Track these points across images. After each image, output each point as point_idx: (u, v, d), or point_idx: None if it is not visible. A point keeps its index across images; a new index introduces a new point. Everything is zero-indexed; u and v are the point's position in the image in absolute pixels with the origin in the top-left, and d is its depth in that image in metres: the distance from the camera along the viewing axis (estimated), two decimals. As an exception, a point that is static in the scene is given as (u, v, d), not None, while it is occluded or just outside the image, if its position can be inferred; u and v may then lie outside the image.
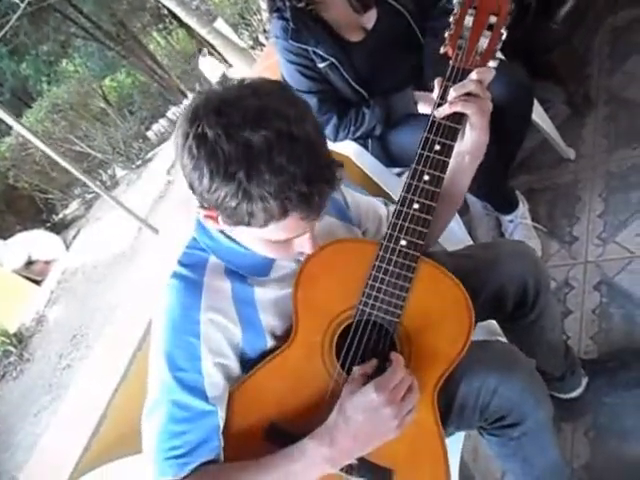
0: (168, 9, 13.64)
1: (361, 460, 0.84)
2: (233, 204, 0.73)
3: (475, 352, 0.88)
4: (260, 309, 0.89)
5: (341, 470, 0.84)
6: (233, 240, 0.87)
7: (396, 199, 0.90)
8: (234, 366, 0.88)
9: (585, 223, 1.70)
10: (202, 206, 0.79)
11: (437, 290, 0.90)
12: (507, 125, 1.49)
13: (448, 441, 0.90)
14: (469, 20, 0.89)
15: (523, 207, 1.73)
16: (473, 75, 0.87)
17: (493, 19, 0.89)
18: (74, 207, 9.80)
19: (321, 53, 1.53)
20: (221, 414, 0.84)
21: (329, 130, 1.62)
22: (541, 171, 1.95)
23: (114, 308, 4.70)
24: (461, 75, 0.90)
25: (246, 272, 0.89)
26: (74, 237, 8.16)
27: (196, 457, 0.81)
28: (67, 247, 7.78)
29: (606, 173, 1.77)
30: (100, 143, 8.23)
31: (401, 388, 0.79)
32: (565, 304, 1.56)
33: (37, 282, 7.35)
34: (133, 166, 8.84)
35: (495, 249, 1.10)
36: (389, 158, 1.68)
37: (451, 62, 0.91)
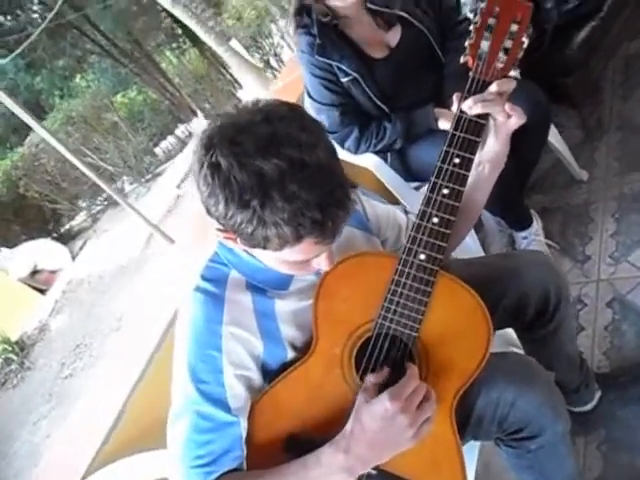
0: (183, 29, 13.96)
1: (380, 471, 0.85)
2: (249, 230, 0.74)
3: (494, 364, 0.89)
4: (280, 321, 0.91)
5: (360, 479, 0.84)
6: (253, 256, 0.88)
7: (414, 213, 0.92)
8: (255, 377, 0.89)
9: (598, 242, 1.74)
10: (220, 230, 0.81)
11: (456, 304, 0.90)
12: (524, 142, 1.53)
13: (464, 449, 0.90)
14: (489, 29, 0.86)
15: (537, 225, 1.76)
16: (493, 87, 0.86)
17: (514, 27, 0.86)
18: (81, 219, 9.88)
19: (344, 68, 1.58)
20: (244, 424, 0.85)
21: (350, 142, 1.67)
22: (554, 191, 1.99)
23: (119, 318, 4.70)
24: (481, 87, 0.88)
25: (266, 286, 0.91)
26: (81, 248, 8.20)
27: (220, 466, 0.82)
28: (73, 257, 7.81)
29: (619, 195, 1.80)
30: (112, 156, 8.33)
31: (416, 397, 0.79)
32: (578, 321, 1.58)
33: (42, 291, 7.37)
34: (143, 179, 8.94)
35: (515, 258, 1.13)
36: (408, 172, 1.72)
37: (471, 73, 0.89)
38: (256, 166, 0.71)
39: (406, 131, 1.63)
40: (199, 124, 12.86)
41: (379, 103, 1.63)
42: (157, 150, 12.67)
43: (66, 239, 9.06)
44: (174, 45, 15.37)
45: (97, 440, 1.31)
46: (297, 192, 0.71)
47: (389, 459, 0.82)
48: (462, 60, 0.92)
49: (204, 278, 0.89)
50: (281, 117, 0.76)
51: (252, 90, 5.84)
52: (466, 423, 0.93)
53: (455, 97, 0.91)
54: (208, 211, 0.79)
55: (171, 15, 13.42)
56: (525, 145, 1.59)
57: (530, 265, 1.09)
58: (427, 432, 0.81)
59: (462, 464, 0.87)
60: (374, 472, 0.85)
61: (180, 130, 13.83)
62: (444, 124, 1.60)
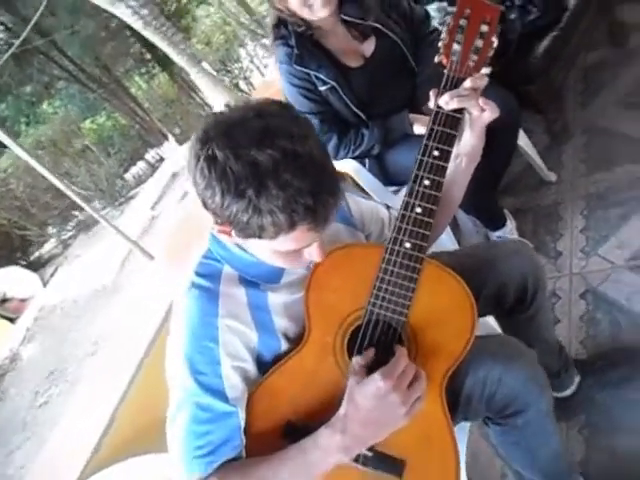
0: (152, 54, 13.98)
1: (374, 452, 0.88)
2: (244, 219, 0.77)
3: (479, 345, 0.93)
4: (273, 313, 0.93)
5: (356, 461, 0.87)
6: (245, 251, 0.92)
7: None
8: (251, 369, 0.91)
9: (568, 239, 1.82)
10: (216, 222, 0.84)
11: (441, 289, 0.94)
12: (496, 144, 1.60)
13: (454, 429, 0.93)
14: (461, 30, 0.92)
15: (511, 224, 1.84)
16: (467, 83, 0.92)
17: (484, 28, 0.93)
18: (51, 245, 9.69)
19: (322, 77, 1.64)
20: (242, 414, 0.87)
21: (330, 149, 1.71)
22: (525, 193, 2.08)
23: (95, 342, 4.62)
24: (455, 84, 0.93)
25: (259, 280, 0.94)
26: (52, 275, 8.03)
27: (219, 455, 0.84)
28: (44, 284, 7.64)
29: (586, 194, 1.90)
30: (83, 180, 8.24)
31: (406, 376, 0.82)
32: (554, 313, 1.64)
33: (12, 320, 7.16)
34: (116, 203, 8.85)
35: (496, 248, 1.19)
36: (386, 176, 1.78)
37: (445, 71, 0.95)
38: (251, 157, 0.74)
39: (383, 137, 1.69)
40: (170, 148, 12.85)
41: (356, 110, 1.69)
42: (127, 176, 12.57)
43: (36, 266, 8.86)
44: (143, 70, 15.38)
45: (77, 462, 1.30)
46: (290, 180, 0.75)
47: (383, 439, 0.85)
48: (436, 59, 0.97)
49: (198, 274, 0.91)
50: (272, 113, 0.80)
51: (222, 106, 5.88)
52: (456, 403, 0.96)
53: (432, 93, 0.96)
54: (205, 204, 0.81)
55: (140, 40, 13.51)
56: (497, 147, 1.65)
57: (509, 255, 1.14)
58: (419, 410, 0.84)
59: (454, 442, 0.90)
60: (369, 453, 0.87)
61: (150, 155, 13.78)
62: (419, 129, 1.67)
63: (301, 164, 0.76)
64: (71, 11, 10.44)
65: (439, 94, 0.94)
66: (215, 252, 0.94)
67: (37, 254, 9.63)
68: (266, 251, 0.87)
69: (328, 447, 0.82)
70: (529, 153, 1.99)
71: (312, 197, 0.76)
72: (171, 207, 6.44)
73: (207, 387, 0.85)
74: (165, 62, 14.75)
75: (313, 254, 0.88)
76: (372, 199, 1.22)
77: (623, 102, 2.08)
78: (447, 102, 0.92)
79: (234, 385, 0.87)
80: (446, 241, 1.63)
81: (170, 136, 13.36)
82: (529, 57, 1.93)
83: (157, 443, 1.21)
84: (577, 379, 1.37)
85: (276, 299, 0.94)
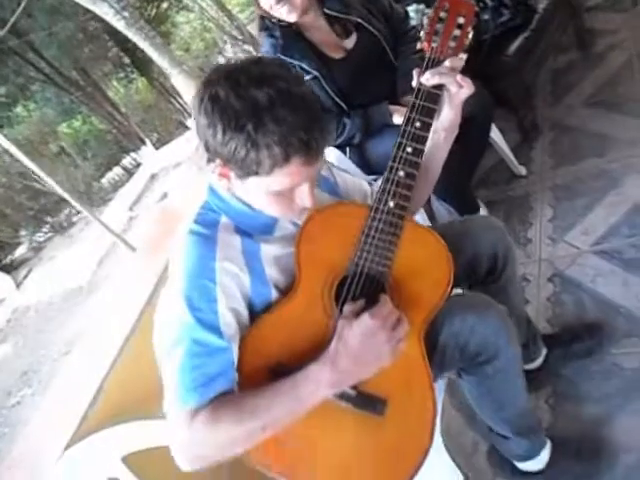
0: (131, 58, 13.91)
1: (358, 391, 0.94)
2: (243, 153, 0.84)
3: (454, 300, 1.03)
4: (265, 263, 0.99)
5: (341, 399, 0.93)
6: (241, 201, 0.98)
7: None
8: (244, 313, 0.96)
9: (537, 227, 1.92)
10: (215, 166, 0.90)
11: (421, 244, 1.03)
12: (470, 133, 1.70)
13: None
14: (441, 20, 1.04)
15: (483, 212, 1.93)
16: (446, 63, 1.02)
17: (461, 20, 1.04)
18: (25, 247, 9.52)
19: (306, 67, 1.71)
20: (235, 351, 0.92)
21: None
22: (497, 187, 2.19)
23: (70, 342, 4.58)
24: (435, 64, 1.04)
25: (253, 230, 1.00)
26: (25, 276, 7.90)
27: (214, 387, 0.88)
28: (17, 286, 7.51)
29: (553, 186, 2.01)
30: (60, 181, 8.15)
31: (391, 318, 0.90)
32: (524, 295, 1.73)
33: (-17, 322, 7.02)
34: (94, 205, 8.77)
35: (470, 222, 1.27)
36: (366, 165, 1.85)
37: (427, 54, 1.05)
38: (250, 95, 0.82)
39: (364, 126, 1.77)
40: (147, 153, 12.79)
41: (338, 100, 1.77)
42: (103, 181, 12.46)
43: (9, 268, 8.70)
44: (122, 74, 15.33)
45: (65, 431, 1.32)
46: (286, 116, 0.82)
47: (367, 377, 0.91)
48: (418, 46, 1.08)
49: (196, 222, 0.97)
50: (270, 62, 0.90)
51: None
52: (433, 354, 1.03)
53: (415, 72, 1.06)
54: (206, 144, 0.88)
55: (119, 44, 13.45)
56: (472, 137, 1.75)
57: (482, 229, 1.23)
58: (401, 350, 0.91)
59: (431, 384, 0.97)
60: (353, 393, 0.93)
61: (127, 160, 13.69)
62: (398, 119, 1.75)
63: (295, 102, 0.84)
64: (49, 12, 10.37)
65: (421, 73, 1.03)
66: (212, 203, 0.99)
67: (10, 256, 9.46)
68: (261, 194, 0.93)
69: (318, 380, 0.88)
70: (502, 148, 2.10)
71: (305, 132, 0.84)
72: (150, 208, 6.44)
73: (204, 323, 0.89)
74: (144, 67, 14.73)
75: (304, 198, 0.94)
76: (356, 175, 1.30)
77: (588, 102, 2.21)
78: (428, 78, 1.02)
79: (229, 323, 0.92)
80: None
81: (148, 141, 13.30)
82: (501, 56, 2.04)
83: (145, 410, 1.26)
84: (544, 352, 1.46)
85: (268, 250, 1.00)
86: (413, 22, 2.07)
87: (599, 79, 2.26)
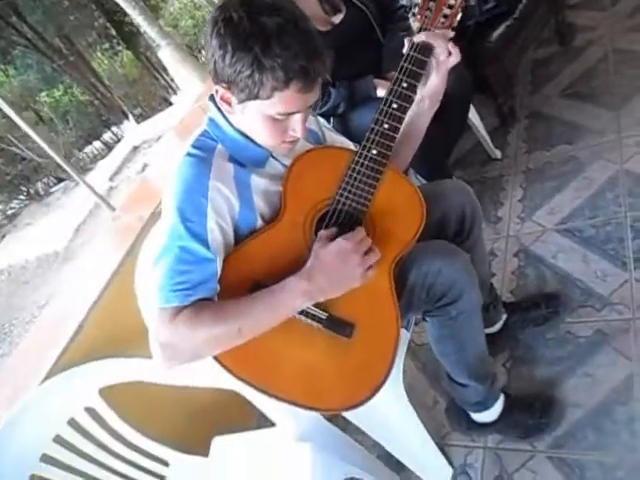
0: (118, 30, 13.65)
1: (329, 313, 1.01)
2: (247, 73, 0.90)
3: (423, 246, 1.12)
4: (254, 192, 1.06)
5: (313, 319, 1.00)
6: (237, 131, 1.05)
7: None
8: (230, 232, 1.03)
9: (508, 206, 2.02)
10: (220, 87, 0.97)
11: (398, 189, 1.13)
12: (450, 111, 1.76)
13: None
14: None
15: (458, 189, 2.01)
16: (437, 31, 1.13)
17: (452, 1, 1.14)
18: (-1, 213, 9.36)
19: None
20: (219, 263, 0.98)
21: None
22: (473, 168, 2.28)
23: (43, 306, 4.56)
24: None
25: (246, 161, 1.06)
26: (-3, 242, 7.79)
27: (197, 292, 0.94)
28: (-10, 251, 7.40)
29: (526, 169, 2.11)
30: (40, 147, 8.01)
31: (364, 243, 0.98)
32: (490, 269, 1.83)
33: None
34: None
35: (441, 185, 1.35)
36: (348, 135, 1.90)
37: (418, 24, 1.15)
38: (261, 21, 0.89)
39: (348, 96, 1.83)
40: (129, 127, 12.63)
41: (323, 70, 1.82)
42: (82, 154, 12.26)
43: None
44: (107, 45, 15.02)
45: (42, 366, 1.34)
46: (292, 44, 0.89)
47: (337, 300, 0.99)
48: (411, 20, 1.16)
49: (194, 146, 1.03)
50: None
51: (190, 84, 5.90)
52: (402, 293, 1.11)
53: (406, 40, 1.15)
54: (215, 65, 0.94)
55: (106, 14, 13.18)
56: (450, 114, 1.82)
57: (451, 190, 1.31)
58: (371, 276, 0.99)
59: (397, 314, 1.04)
60: (324, 315, 1.00)
61: (108, 135, 13.48)
62: (382, 92, 1.81)
63: (301, 33, 0.91)
64: (35, -25, 10.12)
65: (412, 42, 1.13)
66: (211, 132, 1.06)
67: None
68: (258, 120, 0.99)
69: (294, 290, 0.95)
70: (480, 131, 2.18)
71: (307, 60, 0.91)
72: (130, 179, 6.40)
73: (193, 233, 0.95)
74: (130, 40, 14.47)
75: (297, 128, 1.01)
76: (343, 137, 1.37)
77: (564, 92, 2.31)
78: (421, 36, 1.11)
79: (215, 238, 0.98)
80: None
81: (130, 116, 13.12)
82: (484, 42, 2.11)
83: (124, 348, 1.32)
84: (504, 317, 1.55)
85: (258, 182, 1.06)
86: (403, 2, 2.13)
87: (576, 72, 2.36)
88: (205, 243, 0.96)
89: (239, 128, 1.05)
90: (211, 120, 1.07)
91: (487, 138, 2.21)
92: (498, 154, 2.23)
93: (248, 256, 1.04)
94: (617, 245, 1.63)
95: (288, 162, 1.12)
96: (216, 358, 0.99)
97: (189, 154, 1.02)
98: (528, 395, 1.43)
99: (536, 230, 1.86)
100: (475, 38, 2.11)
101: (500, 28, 2.13)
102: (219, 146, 1.05)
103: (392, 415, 1.26)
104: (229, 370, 1.00)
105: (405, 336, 1.28)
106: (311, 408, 1.02)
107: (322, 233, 1.02)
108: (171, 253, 0.95)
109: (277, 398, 1.01)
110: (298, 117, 1.00)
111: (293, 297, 0.95)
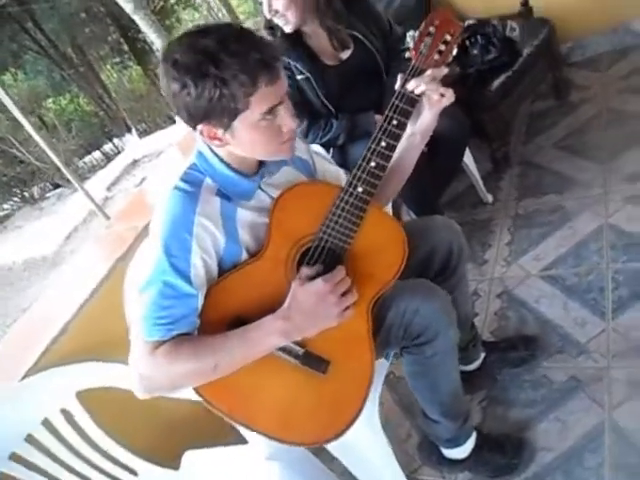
0: (130, 46, 13.86)
1: (305, 349, 1.04)
2: (217, 95, 0.92)
3: (403, 285, 1.14)
4: (239, 225, 1.07)
5: (290, 354, 1.03)
6: (226, 165, 1.06)
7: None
8: (213, 267, 1.05)
9: (495, 249, 2.07)
10: (202, 130, 0.98)
11: (381, 227, 1.13)
12: (445, 151, 1.84)
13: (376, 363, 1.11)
14: (430, 35, 1.14)
15: (448, 228, 2.06)
16: (429, 72, 1.12)
17: (448, 37, 1.13)
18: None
19: (300, 67, 1.84)
20: (201, 299, 1.01)
21: (299, 132, 1.90)
22: (464, 209, 2.34)
23: (26, 309, 4.51)
24: (419, 72, 1.13)
25: (233, 194, 1.08)
26: (-14, 243, 7.71)
27: (178, 327, 0.98)
28: (-23, 251, 7.32)
29: (515, 214, 2.17)
30: (40, 151, 8.04)
31: (342, 285, 1.00)
32: (473, 309, 1.86)
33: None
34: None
35: (430, 220, 1.39)
36: (346, 167, 1.96)
37: (412, 62, 1.15)
38: (201, 45, 0.92)
39: (349, 129, 1.89)
40: (131, 141, 12.72)
41: (326, 103, 1.89)
42: (81, 163, 12.30)
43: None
44: (117, 59, 15.26)
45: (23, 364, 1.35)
46: (236, 48, 0.92)
47: (314, 334, 1.01)
48: (407, 55, 1.19)
49: (182, 180, 1.05)
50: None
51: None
52: (380, 330, 1.13)
53: (399, 77, 1.17)
54: (188, 112, 0.96)
55: (120, 30, 13.43)
56: (446, 155, 1.90)
57: (439, 227, 1.34)
58: (348, 316, 1.01)
59: (372, 356, 1.07)
60: (301, 350, 1.03)
61: (109, 147, 13.54)
62: (382, 128, 1.88)
63: (242, 36, 0.95)
64: (55, -14, 10.35)
65: (405, 79, 1.14)
66: (199, 165, 1.07)
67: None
68: (253, 134, 1.00)
69: (270, 329, 0.98)
70: (473, 174, 2.25)
71: (258, 53, 0.94)
72: (127, 191, 6.42)
73: (176, 269, 0.98)
74: (141, 57, 14.71)
75: (287, 121, 1.01)
76: (336, 166, 1.40)
77: (557, 144, 2.39)
78: (414, 86, 1.12)
79: (198, 274, 1.00)
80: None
81: (134, 130, 13.23)
82: (484, 90, 2.20)
83: (106, 353, 1.33)
84: (482, 355, 1.58)
85: (244, 215, 1.08)
86: (408, 44, 2.22)
87: (569, 126, 2.44)
88: (188, 279, 0.98)
89: (234, 158, 1.07)
90: (200, 153, 1.08)
91: (480, 182, 2.28)
92: (489, 198, 2.30)
93: (230, 289, 1.06)
94: (597, 295, 1.67)
95: (276, 194, 1.12)
96: (195, 388, 1.02)
97: (177, 187, 1.02)
98: (501, 435, 1.45)
99: (520, 274, 1.90)
100: (476, 85, 2.20)
101: (500, 78, 2.22)
102: (207, 179, 1.06)
103: (365, 444, 1.28)
104: (207, 401, 1.03)
105: (384, 366, 1.30)
106: (284, 441, 1.05)
107: (302, 272, 1.03)
108: (155, 286, 0.97)
109: (252, 429, 1.04)
110: (282, 112, 1.01)
111: (268, 335, 0.98)
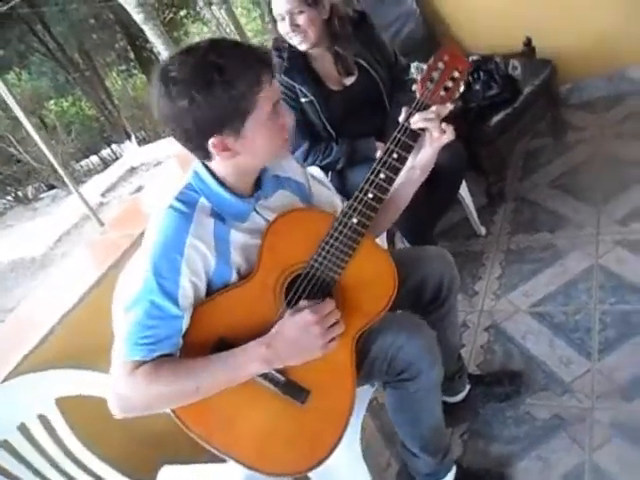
0: (136, 55, 13.97)
1: (287, 378, 1.03)
2: (226, 97, 0.93)
3: (390, 318, 1.13)
4: (232, 247, 1.07)
5: (271, 382, 1.02)
6: (222, 186, 1.06)
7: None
8: (202, 288, 1.04)
9: (485, 282, 2.08)
10: (213, 137, 0.97)
11: (372, 260, 1.12)
12: (441, 182, 1.86)
13: (358, 390, 1.11)
14: (438, 70, 1.13)
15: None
16: (433, 108, 1.11)
17: (456, 74, 1.13)
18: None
19: (304, 90, 1.86)
20: (186, 321, 1.00)
21: (300, 153, 1.92)
22: (457, 240, 2.36)
23: (9, 310, 4.46)
24: (424, 107, 1.12)
25: (228, 215, 1.07)
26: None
27: (161, 347, 0.97)
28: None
29: (507, 249, 2.19)
30: (37, 151, 8.03)
31: (330, 317, 1.00)
32: (461, 340, 1.87)
33: None
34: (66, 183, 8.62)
35: (423, 250, 1.40)
36: (343, 191, 1.98)
37: (418, 96, 1.14)
38: (190, 60, 0.94)
39: (349, 154, 1.91)
40: (130, 148, 12.72)
41: (328, 127, 1.91)
42: (77, 166, 12.28)
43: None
44: (123, 67, 15.35)
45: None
46: (232, 52, 0.96)
47: (297, 364, 1.01)
48: (413, 88, 1.17)
49: (177, 199, 1.04)
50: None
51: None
52: (363, 362, 1.13)
53: (404, 110, 1.16)
54: (197, 127, 0.96)
55: (128, 38, 13.54)
56: (442, 186, 1.91)
57: (432, 257, 1.35)
58: (332, 348, 1.01)
59: (353, 387, 1.07)
60: (282, 379, 1.03)
61: (107, 152, 13.53)
62: (381, 155, 1.90)
63: (232, 42, 0.99)
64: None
65: (409, 113, 1.13)
66: (195, 185, 1.07)
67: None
68: (261, 131, 1.00)
69: (253, 355, 0.98)
70: (468, 207, 2.27)
71: (255, 53, 0.97)
72: (122, 198, 6.40)
73: (164, 290, 0.97)
74: (147, 66, 14.82)
75: (287, 119, 1.05)
76: (332, 190, 1.41)
77: (551, 183, 2.42)
78: (416, 121, 1.12)
79: (186, 295, 1.00)
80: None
81: (133, 137, 13.24)
82: (484, 125, 2.24)
83: (90, 361, 1.32)
84: (467, 387, 1.58)
85: (237, 237, 1.07)
86: (412, 75, 2.26)
87: (565, 166, 2.49)
88: (175, 301, 0.98)
89: (233, 176, 1.07)
90: (196, 173, 1.08)
91: (474, 214, 2.30)
92: (483, 231, 2.32)
93: (216, 310, 1.05)
94: (584, 335, 1.68)
95: (271, 216, 1.12)
96: (172, 411, 1.01)
97: (171, 207, 1.02)
98: (480, 469, 1.44)
99: (509, 309, 1.91)
100: (476, 120, 2.24)
101: (500, 114, 2.26)
102: (202, 199, 1.05)
103: (345, 471, 1.26)
104: (184, 424, 1.02)
105: (368, 392, 1.30)
106: (262, 472, 1.04)
107: (302, 304, 1.03)
108: (141, 306, 0.97)
109: (229, 457, 1.03)
110: (281, 109, 1.04)
111: (250, 360, 0.98)
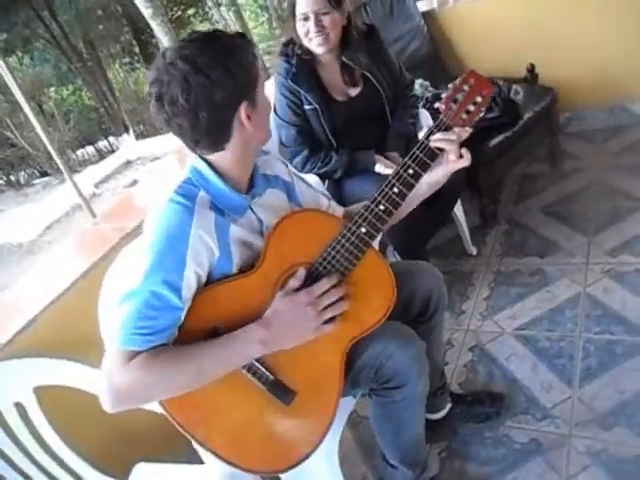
0: (141, 48, 13.95)
1: (275, 377, 1.04)
2: (249, 63, 0.99)
3: (383, 326, 1.13)
4: (232, 240, 1.07)
5: (259, 379, 1.02)
6: (221, 179, 1.06)
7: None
8: (203, 279, 1.04)
9: (473, 302, 2.09)
10: (240, 105, 0.99)
11: (374, 271, 1.12)
12: (439, 200, 1.86)
13: (342, 400, 1.11)
14: (462, 92, 1.14)
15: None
16: (456, 130, 1.13)
17: (479, 98, 1.14)
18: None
19: (309, 98, 1.87)
20: (184, 313, 0.99)
21: (299, 159, 1.92)
22: (448, 259, 2.37)
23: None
24: (445, 127, 1.13)
25: (226, 208, 1.07)
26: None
27: (158, 338, 0.96)
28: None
29: (496, 270, 2.20)
30: (34, 136, 7.97)
31: (325, 298, 1.02)
32: (444, 358, 1.87)
33: None
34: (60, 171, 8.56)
35: (414, 265, 1.40)
36: (340, 201, 1.98)
37: (441, 116, 1.14)
38: (200, 37, 0.98)
39: (347, 164, 1.92)
40: (127, 141, 12.68)
41: (329, 136, 1.92)
42: (72, 156, 12.20)
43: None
44: (127, 60, 15.32)
45: None
46: (231, 38, 1.00)
47: (286, 366, 1.02)
48: (436, 105, 1.17)
49: (177, 193, 1.03)
50: None
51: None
52: (351, 369, 1.13)
53: (425, 128, 1.19)
54: (222, 98, 0.96)
55: (134, 32, 13.53)
56: (439, 203, 1.92)
57: (423, 272, 1.36)
58: (327, 331, 1.02)
59: (338, 394, 1.08)
60: (271, 377, 1.03)
61: (103, 144, 13.47)
62: (380, 168, 1.90)
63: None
64: (76, -21, 10.42)
65: (430, 131, 1.13)
66: (193, 179, 1.06)
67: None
68: (262, 101, 1.05)
69: (251, 337, 0.98)
70: (462, 225, 2.29)
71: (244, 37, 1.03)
72: (116, 190, 6.36)
73: (168, 281, 0.95)
74: (151, 60, 14.78)
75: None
76: (318, 190, 1.40)
77: (545, 209, 2.45)
78: (436, 140, 1.12)
79: (189, 286, 0.99)
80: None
81: (131, 131, 13.20)
82: (482, 146, 2.26)
83: (73, 353, 1.30)
84: (448, 406, 1.58)
85: (236, 231, 1.07)
86: (416, 92, 2.28)
87: (559, 193, 2.52)
88: (178, 293, 0.96)
89: (232, 167, 1.08)
90: (194, 168, 1.08)
91: (467, 233, 2.32)
92: (474, 251, 2.33)
93: (214, 300, 1.05)
94: (567, 362, 1.69)
95: (264, 216, 1.14)
96: None
97: (172, 200, 1.01)
98: (455, 490, 1.44)
99: (495, 330, 1.92)
100: (474, 141, 2.25)
101: (499, 137, 2.28)
102: (201, 192, 1.05)
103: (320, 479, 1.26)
104: (167, 411, 1.01)
105: (350, 403, 1.29)
106: (233, 464, 1.03)
107: (290, 284, 1.04)
108: (141, 295, 0.95)
109: (205, 448, 1.02)
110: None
111: (249, 342, 0.98)
